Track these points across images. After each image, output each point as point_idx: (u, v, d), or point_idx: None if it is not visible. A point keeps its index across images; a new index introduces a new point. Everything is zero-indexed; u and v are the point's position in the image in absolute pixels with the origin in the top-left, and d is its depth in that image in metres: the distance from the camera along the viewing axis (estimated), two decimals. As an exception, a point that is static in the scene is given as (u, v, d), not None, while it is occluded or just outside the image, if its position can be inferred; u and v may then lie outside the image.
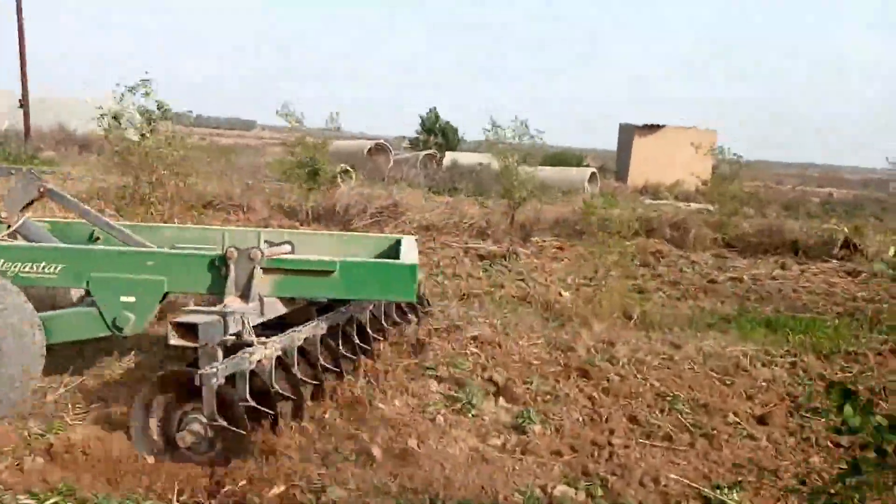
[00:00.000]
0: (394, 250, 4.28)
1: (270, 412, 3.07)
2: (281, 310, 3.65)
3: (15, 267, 3.42)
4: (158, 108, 9.43)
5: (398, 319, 4.65)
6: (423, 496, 2.82)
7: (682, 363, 4.75)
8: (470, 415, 3.67)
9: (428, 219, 10.75)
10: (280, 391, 3.17)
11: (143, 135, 9.32)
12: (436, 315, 5.27)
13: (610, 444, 3.45)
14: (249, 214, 10.49)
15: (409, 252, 4.03)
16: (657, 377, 4.41)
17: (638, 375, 4.42)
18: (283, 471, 2.88)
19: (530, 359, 4.59)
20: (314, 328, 3.62)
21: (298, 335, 3.47)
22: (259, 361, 3.08)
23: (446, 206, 11.95)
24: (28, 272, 3.43)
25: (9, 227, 3.95)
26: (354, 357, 3.98)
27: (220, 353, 3.01)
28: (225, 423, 2.89)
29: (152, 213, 8.13)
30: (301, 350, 3.50)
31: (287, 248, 3.93)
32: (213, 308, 3.23)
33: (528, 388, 4.06)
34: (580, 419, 3.73)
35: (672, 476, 3.15)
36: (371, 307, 4.28)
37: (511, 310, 5.86)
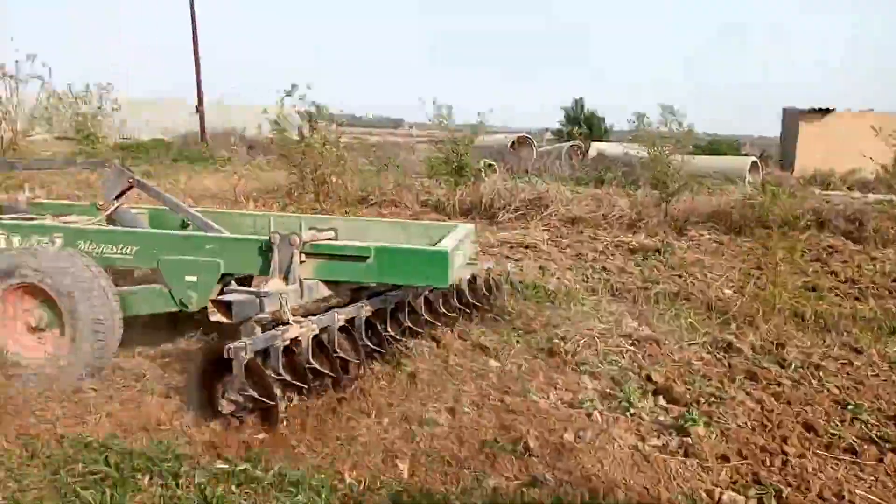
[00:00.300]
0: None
1: (303, 385, 3.24)
2: (325, 292, 3.81)
3: (99, 248, 3.86)
4: (316, 110, 10.05)
5: (453, 308, 4.55)
6: (582, 491, 2.79)
7: (864, 369, 4.33)
8: (628, 413, 3.57)
9: (574, 211, 10.56)
10: (317, 367, 3.31)
11: (303, 136, 9.99)
12: (569, 310, 5.21)
13: (783, 452, 3.21)
14: (400, 209, 10.88)
15: (454, 239, 4.04)
16: (836, 384, 4.05)
17: (813, 380, 4.09)
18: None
19: (691, 358, 4.38)
20: (358, 309, 3.74)
21: (340, 315, 3.60)
22: (295, 339, 3.24)
23: (593, 198, 11.68)
24: (110, 253, 3.86)
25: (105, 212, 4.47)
26: (401, 339, 4.05)
27: (258, 330, 3.21)
28: (255, 394, 3.03)
29: (315, 210, 8.67)
30: (345, 329, 3.62)
31: (329, 234, 4.09)
32: (251, 289, 3.45)
33: (689, 389, 3.88)
34: (748, 424, 3.50)
35: (858, 492, 2.88)
36: (428, 293, 4.29)
37: (667, 307, 5.62)
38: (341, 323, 3.61)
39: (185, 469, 2.71)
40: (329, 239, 4.01)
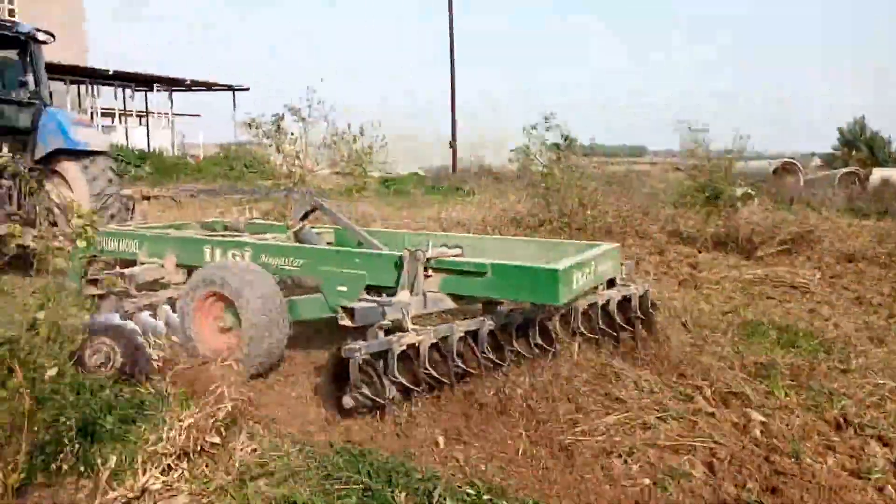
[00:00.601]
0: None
1: (416, 389, 3.48)
2: (450, 305, 4.10)
3: (275, 261, 4.37)
4: (564, 140, 10.14)
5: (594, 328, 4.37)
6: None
7: None
8: (930, 492, 2.97)
9: (851, 247, 9.27)
10: (432, 372, 3.53)
11: (548, 167, 10.13)
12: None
13: None
14: (644, 240, 10.47)
15: (576, 258, 4.09)
16: None
17: None
18: None
19: None
20: (480, 322, 3.84)
21: (459, 326, 3.74)
22: (412, 345, 3.49)
23: (875, 232, 10.15)
24: (283, 265, 4.36)
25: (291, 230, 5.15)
26: (529, 356, 4.01)
27: (380, 335, 3.49)
28: (368, 393, 3.32)
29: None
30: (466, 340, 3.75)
31: (456, 251, 4.22)
32: (378, 298, 3.73)
33: None
34: None
35: None
36: (563, 311, 4.25)
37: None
38: (460, 334, 3.72)
39: (439, 492, 2.80)
40: (455, 255, 4.17)
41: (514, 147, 10.74)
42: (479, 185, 20.52)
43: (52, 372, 2.48)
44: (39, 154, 7.45)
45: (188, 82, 28.22)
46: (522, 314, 4.10)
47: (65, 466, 2.74)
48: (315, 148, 8.16)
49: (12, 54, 7.75)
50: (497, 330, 3.92)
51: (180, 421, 2.79)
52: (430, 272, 3.95)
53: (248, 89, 30.41)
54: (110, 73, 24.67)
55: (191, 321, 4.21)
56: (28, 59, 7.72)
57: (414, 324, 3.61)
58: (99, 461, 2.75)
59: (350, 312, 3.57)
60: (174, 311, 4.41)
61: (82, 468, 2.80)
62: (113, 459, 2.70)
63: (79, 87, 25.97)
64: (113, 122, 28.70)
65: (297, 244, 4.95)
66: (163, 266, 4.83)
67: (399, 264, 4.00)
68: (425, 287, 3.93)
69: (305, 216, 5.25)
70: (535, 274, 3.81)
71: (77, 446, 2.86)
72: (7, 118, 7.47)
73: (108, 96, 28.27)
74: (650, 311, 4.72)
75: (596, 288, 4.42)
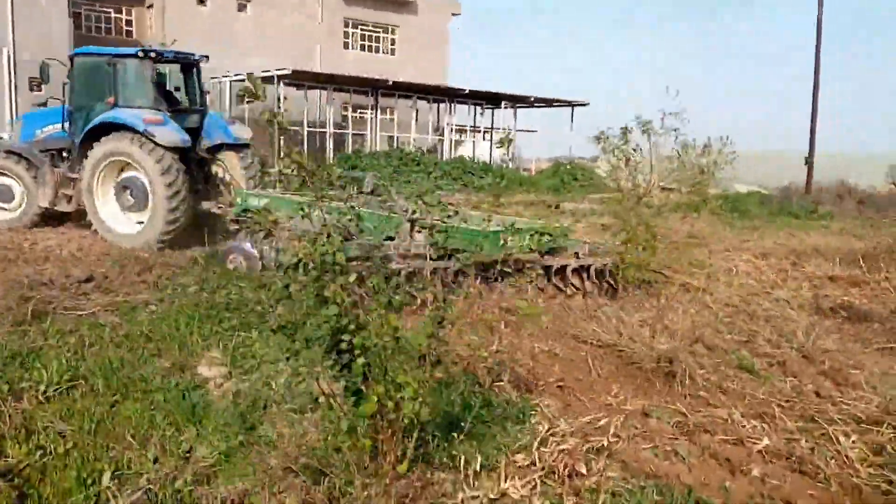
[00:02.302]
0: None
1: None
2: None
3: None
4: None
5: None
6: None
7: None
8: None
9: None
10: None
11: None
12: None
13: None
14: None
15: None
16: None
17: None
18: None
19: None
20: None
21: None
22: None
23: None
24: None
25: None
26: None
27: None
28: None
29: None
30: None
31: None
32: None
33: None
34: None
35: None
36: None
37: None
38: None
39: None
40: None
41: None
42: (839, 209, 17.79)
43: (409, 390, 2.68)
44: (205, 146, 10.34)
45: (532, 99, 29.88)
46: None
47: (437, 459, 2.94)
48: (658, 162, 7.84)
49: (185, 75, 10.73)
50: None
51: (554, 439, 2.80)
52: None
53: (587, 104, 31.05)
54: (466, 91, 27.34)
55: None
56: (196, 78, 10.70)
57: None
58: (463, 458, 2.90)
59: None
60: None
61: (447, 461, 3.01)
62: (478, 460, 2.82)
63: (438, 106, 29.33)
64: (462, 136, 31.82)
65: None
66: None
67: None
68: None
69: (372, 192, 7.88)
70: None
71: (443, 442, 3.08)
72: (188, 121, 10.26)
73: (461, 113, 31.55)
74: None
75: None
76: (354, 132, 27.79)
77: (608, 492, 2.81)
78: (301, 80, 24.38)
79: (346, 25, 32.39)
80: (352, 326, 2.65)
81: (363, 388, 2.69)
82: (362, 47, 33.17)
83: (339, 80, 25.08)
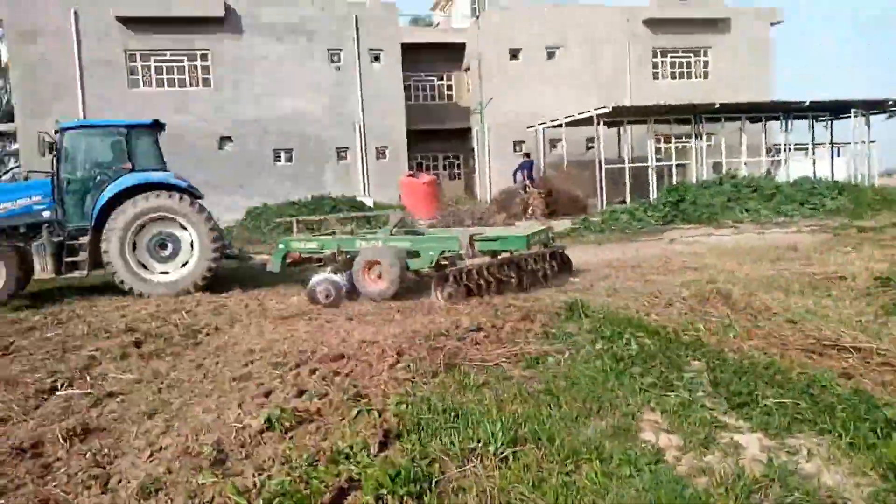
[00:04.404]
0: None
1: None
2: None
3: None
4: None
5: None
6: None
7: None
8: None
9: None
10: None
11: None
12: None
13: None
14: None
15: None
16: None
17: None
18: None
19: None
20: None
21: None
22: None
23: None
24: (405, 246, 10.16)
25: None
26: None
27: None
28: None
29: None
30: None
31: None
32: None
33: None
34: None
35: None
36: None
37: None
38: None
39: None
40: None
41: None
42: None
43: None
44: None
45: (890, 103, 25.09)
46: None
47: None
48: None
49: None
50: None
51: None
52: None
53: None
54: (805, 104, 23.96)
55: (359, 276, 9.42)
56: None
57: None
58: None
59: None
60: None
61: None
62: None
63: (765, 124, 26.21)
64: (780, 154, 27.67)
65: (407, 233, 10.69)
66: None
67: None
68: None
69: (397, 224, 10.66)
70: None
71: None
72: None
73: (797, 129, 27.72)
74: None
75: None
76: (677, 163, 26.19)
77: None
78: (620, 116, 23.78)
79: (655, 56, 31.23)
80: None
81: None
82: (672, 75, 31.61)
83: (659, 111, 23.91)
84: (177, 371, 6.14)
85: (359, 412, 4.73)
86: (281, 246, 10.70)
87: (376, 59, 27.72)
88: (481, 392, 5.19)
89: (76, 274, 10.90)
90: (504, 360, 6.01)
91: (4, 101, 36.07)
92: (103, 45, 24.83)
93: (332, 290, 9.34)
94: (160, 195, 10.75)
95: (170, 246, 10.95)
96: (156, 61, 25.75)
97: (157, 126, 11.52)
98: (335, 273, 9.72)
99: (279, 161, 26.96)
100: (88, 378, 5.93)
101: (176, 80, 26.00)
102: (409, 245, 9.83)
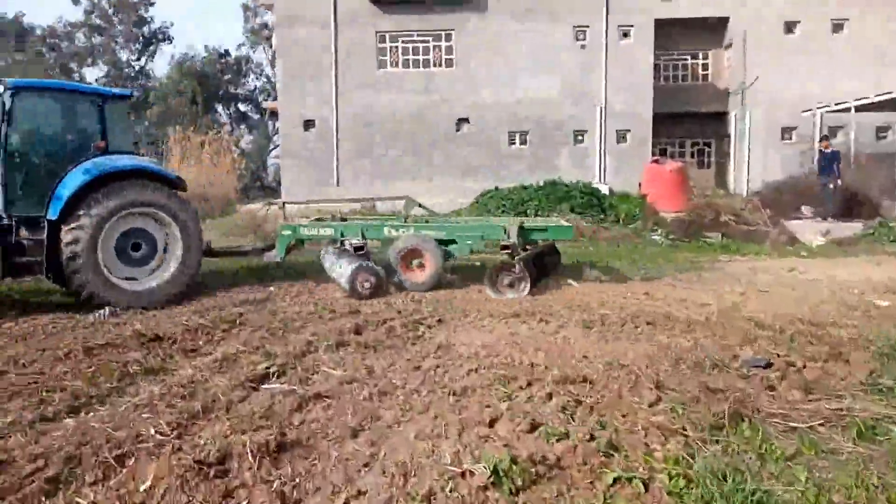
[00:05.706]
0: None
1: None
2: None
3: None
4: None
5: None
6: None
7: None
8: None
9: None
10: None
11: None
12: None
13: None
14: None
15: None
16: None
17: None
18: None
19: None
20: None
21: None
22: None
23: None
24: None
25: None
26: None
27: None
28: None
29: None
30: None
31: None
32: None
33: None
34: None
35: None
36: None
37: None
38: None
39: None
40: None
41: None
42: None
43: None
44: None
45: None
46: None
47: None
48: None
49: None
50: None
51: None
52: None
53: None
54: None
55: (398, 266, 9.23)
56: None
57: None
58: None
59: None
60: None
61: None
62: None
63: None
64: None
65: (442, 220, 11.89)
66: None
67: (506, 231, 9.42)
68: None
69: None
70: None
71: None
72: None
73: None
74: None
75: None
76: None
77: None
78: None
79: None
80: None
81: None
82: None
83: None
84: (392, 372, 5.31)
85: (615, 480, 3.41)
86: (287, 232, 9.57)
87: (625, 35, 25.60)
88: (791, 469, 3.60)
89: (27, 278, 8.62)
90: (820, 420, 4.26)
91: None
92: (356, 27, 25.94)
93: (373, 279, 8.66)
94: (146, 185, 8.41)
95: (143, 247, 8.57)
96: (403, 42, 26.33)
97: (129, 100, 9.42)
98: (337, 256, 9.39)
99: (514, 144, 26.16)
100: (300, 368, 5.33)
101: (420, 61, 26.35)
102: (444, 234, 9.46)
